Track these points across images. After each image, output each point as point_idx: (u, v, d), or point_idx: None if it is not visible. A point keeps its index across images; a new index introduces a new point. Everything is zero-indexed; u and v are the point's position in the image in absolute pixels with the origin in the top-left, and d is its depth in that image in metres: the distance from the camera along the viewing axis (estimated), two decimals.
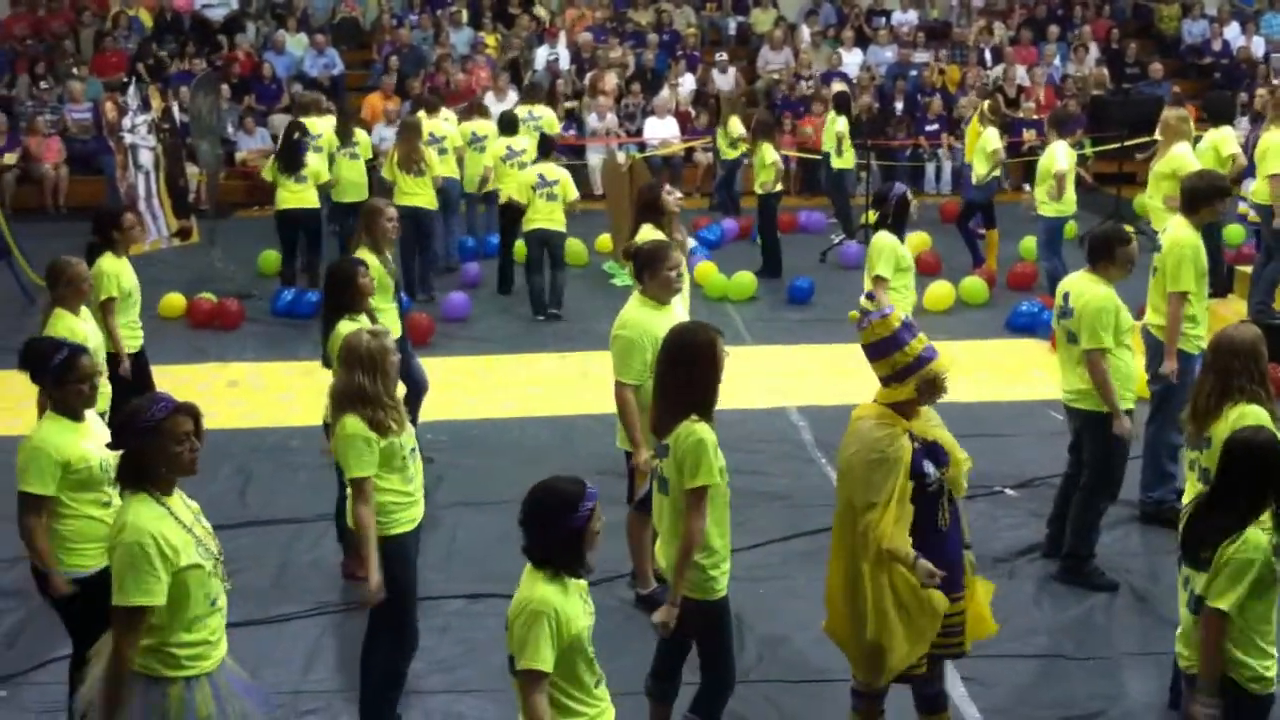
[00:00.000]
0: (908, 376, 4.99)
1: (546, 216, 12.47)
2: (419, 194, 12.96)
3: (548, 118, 16.00)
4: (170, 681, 4.44)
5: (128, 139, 15.96)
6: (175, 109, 17.12)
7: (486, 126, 14.95)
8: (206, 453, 4.96)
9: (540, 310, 12.70)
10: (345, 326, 6.78)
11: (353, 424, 5.41)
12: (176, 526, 4.41)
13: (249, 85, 19.91)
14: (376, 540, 5.46)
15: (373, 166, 14.28)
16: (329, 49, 20.74)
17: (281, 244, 13.60)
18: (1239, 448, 4.69)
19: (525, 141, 13.90)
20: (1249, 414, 5.38)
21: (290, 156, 13.02)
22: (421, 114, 14.39)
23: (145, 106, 16.18)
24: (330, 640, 6.77)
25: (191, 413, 4.49)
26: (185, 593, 4.40)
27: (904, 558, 4.93)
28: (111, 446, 4.53)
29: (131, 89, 16.31)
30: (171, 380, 9.26)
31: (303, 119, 13.89)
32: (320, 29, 21.34)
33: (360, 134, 14.25)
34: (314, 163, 13.25)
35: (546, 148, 13.15)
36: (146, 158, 16.08)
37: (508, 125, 14.22)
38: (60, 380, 5.32)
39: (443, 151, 14.00)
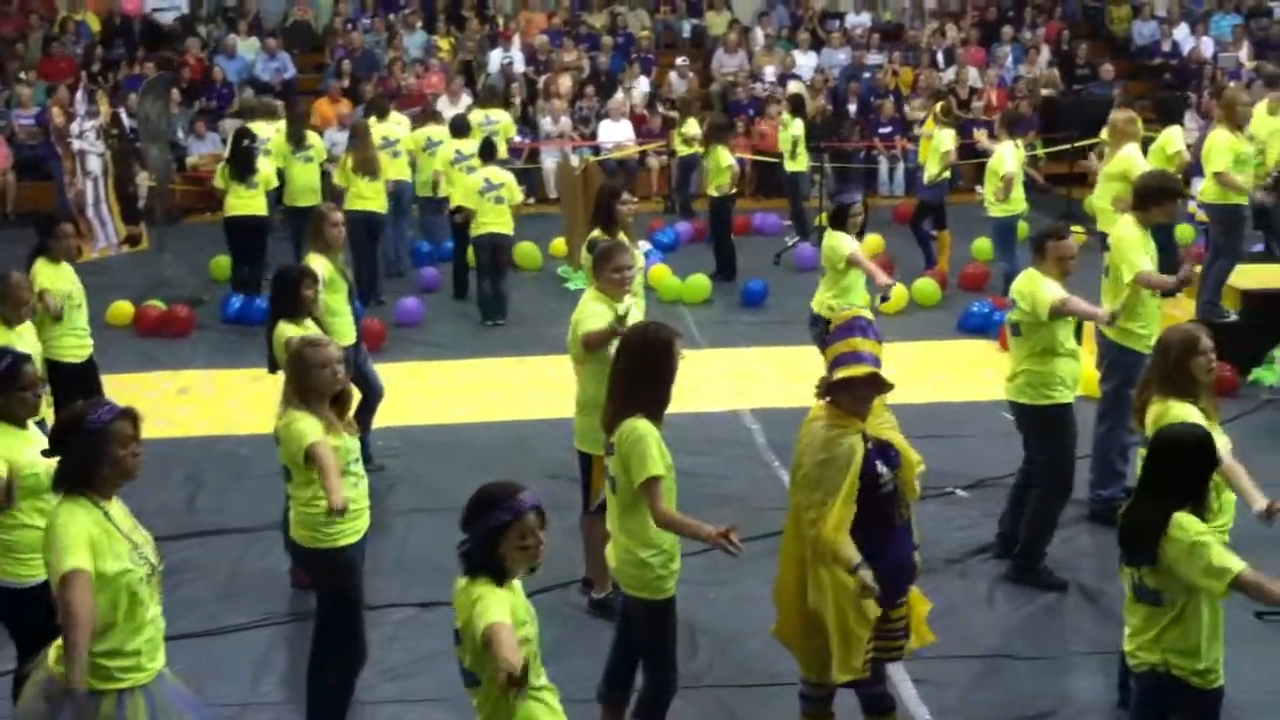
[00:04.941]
0: (833, 369, 5.03)
1: (495, 220, 12.44)
2: (372, 198, 12.92)
3: (505, 121, 15.94)
4: (102, 695, 4.33)
5: (75, 145, 15.80)
6: (124, 114, 16.95)
7: (441, 132, 14.74)
8: (156, 460, 4.89)
9: (489, 316, 12.67)
10: (287, 329, 6.80)
11: (301, 417, 5.37)
12: (112, 530, 4.36)
13: (200, 89, 19.73)
14: (321, 553, 5.45)
15: (325, 171, 14.19)
16: (281, 53, 20.56)
17: (231, 251, 13.48)
18: (1164, 443, 4.75)
19: (474, 145, 13.66)
20: (1171, 410, 5.36)
21: (242, 163, 12.94)
22: (372, 119, 14.27)
23: (93, 112, 16.02)
24: (279, 651, 6.70)
25: (133, 417, 4.48)
26: (115, 602, 4.32)
27: (845, 561, 4.92)
28: (53, 451, 4.47)
29: (79, 94, 16.12)
30: (121, 388, 9.16)
31: (250, 124, 13.80)
32: (272, 32, 21.16)
33: (314, 138, 14.15)
34: (264, 168, 13.19)
35: (490, 152, 13.09)
36: (95, 164, 15.92)
37: (459, 128, 14.13)
38: (5, 388, 5.28)
39: (396, 155, 13.93)
